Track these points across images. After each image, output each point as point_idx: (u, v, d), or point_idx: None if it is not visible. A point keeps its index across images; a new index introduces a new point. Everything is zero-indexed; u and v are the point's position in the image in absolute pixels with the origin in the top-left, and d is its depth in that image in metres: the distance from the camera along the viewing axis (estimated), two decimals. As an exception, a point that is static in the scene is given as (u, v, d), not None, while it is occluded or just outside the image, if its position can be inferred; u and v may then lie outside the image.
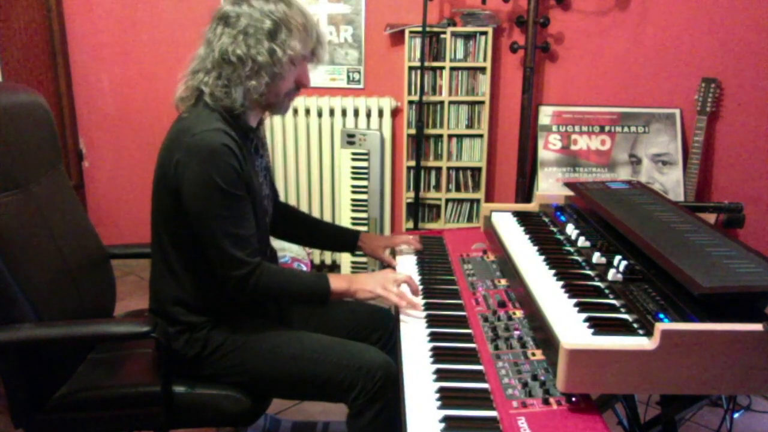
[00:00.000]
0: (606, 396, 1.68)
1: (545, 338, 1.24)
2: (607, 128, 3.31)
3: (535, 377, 1.20)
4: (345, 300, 1.63)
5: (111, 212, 3.68)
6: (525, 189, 3.32)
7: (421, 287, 1.60)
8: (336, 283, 1.56)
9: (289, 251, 3.16)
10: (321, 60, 1.57)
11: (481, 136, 3.36)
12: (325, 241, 1.99)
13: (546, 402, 1.13)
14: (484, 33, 3.22)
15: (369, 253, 1.87)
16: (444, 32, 3.24)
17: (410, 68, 3.28)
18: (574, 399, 1.11)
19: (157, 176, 1.51)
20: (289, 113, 3.32)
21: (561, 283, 1.37)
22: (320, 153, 3.43)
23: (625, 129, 3.30)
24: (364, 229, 3.34)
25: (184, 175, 1.41)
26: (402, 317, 1.50)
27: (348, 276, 1.62)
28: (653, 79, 3.30)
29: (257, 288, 1.48)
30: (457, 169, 3.45)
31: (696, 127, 3.16)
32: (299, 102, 3.33)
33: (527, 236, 1.68)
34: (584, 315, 1.21)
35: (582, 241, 1.55)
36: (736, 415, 2.27)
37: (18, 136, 1.55)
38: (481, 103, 3.32)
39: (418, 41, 3.22)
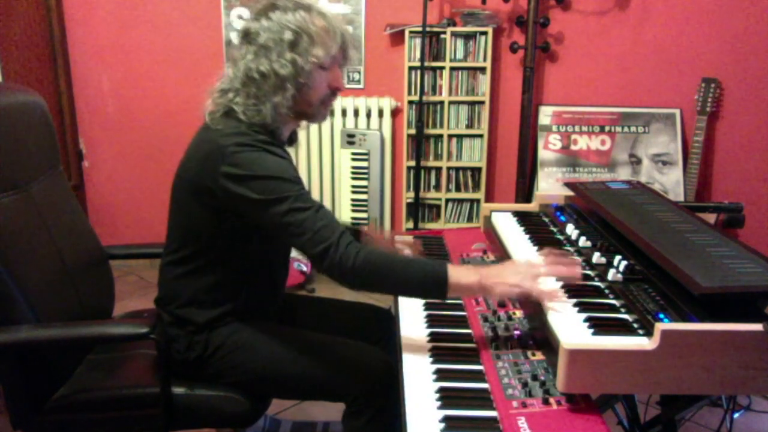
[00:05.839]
0: (606, 396, 1.67)
1: (545, 338, 1.24)
2: (607, 128, 3.31)
3: (535, 377, 1.19)
4: (354, 300, 1.54)
5: (111, 212, 3.67)
6: (525, 189, 3.32)
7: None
8: (459, 273, 1.33)
9: (288, 251, 3.15)
10: (351, 59, 1.54)
11: (481, 136, 3.36)
12: None
13: (546, 402, 1.13)
14: (484, 33, 3.22)
15: None
16: (444, 32, 3.24)
17: (410, 68, 3.28)
18: (574, 399, 1.11)
19: (186, 183, 1.48)
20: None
21: (561, 283, 1.36)
22: (320, 153, 3.43)
23: (625, 129, 3.30)
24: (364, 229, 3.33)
25: (239, 184, 1.38)
26: (402, 317, 1.49)
27: (476, 268, 1.36)
28: (653, 79, 3.30)
29: (359, 264, 1.32)
30: (457, 169, 3.45)
31: (696, 127, 3.16)
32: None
33: (527, 236, 1.68)
34: (584, 315, 1.21)
35: (582, 241, 1.55)
36: (736, 415, 2.26)
37: (16, 137, 1.55)
38: (481, 103, 3.32)
39: (418, 41, 3.22)
